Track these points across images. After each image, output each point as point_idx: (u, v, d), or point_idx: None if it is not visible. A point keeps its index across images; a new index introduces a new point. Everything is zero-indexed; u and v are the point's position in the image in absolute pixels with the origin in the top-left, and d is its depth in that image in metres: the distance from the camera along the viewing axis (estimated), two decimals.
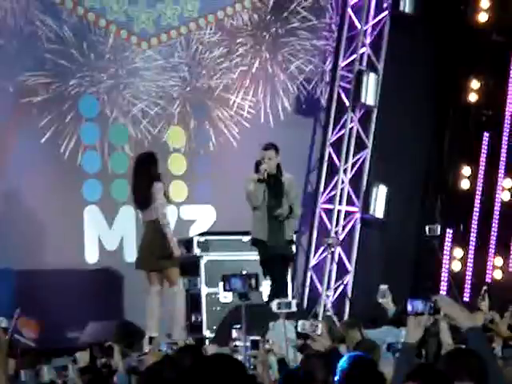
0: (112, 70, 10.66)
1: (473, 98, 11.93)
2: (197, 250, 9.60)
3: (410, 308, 4.48)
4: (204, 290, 9.48)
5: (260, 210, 8.88)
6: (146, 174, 8.75)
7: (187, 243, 9.72)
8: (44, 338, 9.47)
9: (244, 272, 7.70)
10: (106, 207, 10.52)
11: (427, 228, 9.11)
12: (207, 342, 9.05)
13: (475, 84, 11.90)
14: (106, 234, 10.52)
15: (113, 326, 8.77)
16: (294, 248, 9.47)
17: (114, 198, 10.60)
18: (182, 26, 11.00)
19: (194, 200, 11.01)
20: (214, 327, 9.29)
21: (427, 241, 11.76)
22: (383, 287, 7.94)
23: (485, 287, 8.05)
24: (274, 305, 6.82)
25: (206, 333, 9.38)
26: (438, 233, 9.14)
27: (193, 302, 9.52)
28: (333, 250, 10.78)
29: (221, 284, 8.49)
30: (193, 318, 9.52)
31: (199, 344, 7.88)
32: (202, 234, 9.92)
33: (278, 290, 8.63)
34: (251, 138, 11.12)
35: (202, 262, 9.55)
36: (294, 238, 9.28)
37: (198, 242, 9.63)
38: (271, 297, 8.47)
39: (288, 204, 8.88)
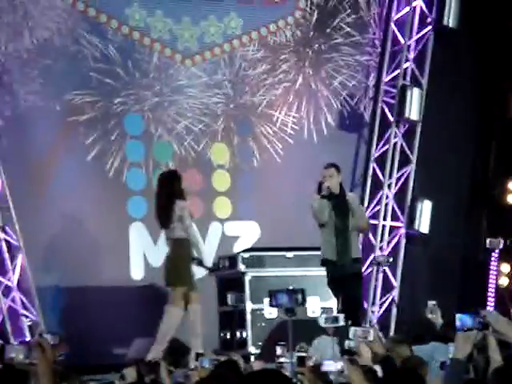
0: (156, 88, 10.75)
1: None
2: (241, 266, 9.62)
3: (458, 323, 4.46)
4: (249, 306, 9.49)
5: (327, 229, 8.93)
6: (168, 192, 8.79)
7: (232, 259, 9.74)
8: (91, 354, 9.54)
9: (290, 287, 7.72)
10: (151, 224, 10.57)
11: (488, 241, 8.94)
12: (252, 358, 9.05)
13: None
14: (151, 251, 10.57)
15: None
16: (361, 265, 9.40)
17: None
18: (226, 44, 11.06)
19: (238, 216, 11.03)
20: (260, 343, 9.30)
21: (474, 256, 11.70)
22: (431, 303, 7.88)
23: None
24: (321, 319, 6.82)
25: (252, 349, 9.38)
26: (501, 246, 8.94)
27: (238, 318, 9.53)
28: (383, 268, 10.75)
29: (266, 300, 8.53)
30: (238, 335, 9.54)
31: (245, 360, 7.87)
32: (246, 251, 9.94)
33: (353, 310, 8.58)
34: (295, 154, 11.14)
35: (247, 279, 9.56)
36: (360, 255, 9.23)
37: (243, 258, 9.65)
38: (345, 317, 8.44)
39: (355, 222, 8.92)
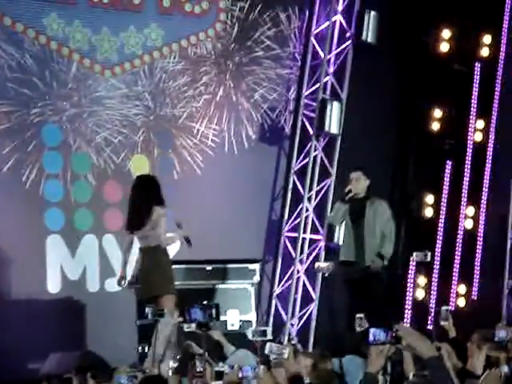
0: (75, 99, 10.59)
1: (435, 126, 12.00)
2: None
3: (371, 337, 4.46)
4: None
5: (346, 231, 9.06)
6: (147, 196, 8.54)
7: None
8: (4, 368, 9.33)
9: (204, 302, 7.66)
10: (69, 236, 10.42)
11: (414, 254, 9.06)
12: (170, 372, 8.94)
13: (438, 113, 11.98)
14: (69, 264, 10.40)
15: (74, 358, 8.65)
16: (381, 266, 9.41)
17: (77, 227, 10.49)
18: (146, 55, 10.96)
19: None
20: (178, 357, 9.19)
21: (391, 269, 11.79)
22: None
23: (446, 308, 8.03)
24: (249, 333, 6.80)
25: (170, 362, 9.26)
26: (429, 259, 9.09)
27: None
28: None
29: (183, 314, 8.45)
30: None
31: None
32: None
33: (375, 308, 8.61)
34: (215, 167, 11.10)
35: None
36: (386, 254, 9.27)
37: None
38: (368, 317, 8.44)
39: (379, 228, 9.00)
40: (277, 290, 11.32)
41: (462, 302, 11.76)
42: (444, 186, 11.87)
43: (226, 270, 9.91)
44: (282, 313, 11.22)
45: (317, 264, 10.57)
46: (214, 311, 6.10)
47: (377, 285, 9.20)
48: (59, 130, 10.51)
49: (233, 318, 9.47)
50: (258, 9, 11.39)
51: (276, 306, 11.29)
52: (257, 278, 9.96)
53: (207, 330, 6.18)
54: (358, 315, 7.86)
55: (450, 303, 11.62)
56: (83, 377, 6.71)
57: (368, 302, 8.94)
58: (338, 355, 7.66)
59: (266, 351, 5.95)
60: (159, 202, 8.57)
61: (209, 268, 9.75)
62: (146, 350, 9.48)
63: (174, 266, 9.62)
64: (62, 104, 10.50)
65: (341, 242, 9.58)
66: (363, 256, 9.12)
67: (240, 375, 5.87)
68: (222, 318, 8.39)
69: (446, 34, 11.96)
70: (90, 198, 10.57)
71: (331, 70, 11.52)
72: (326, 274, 10.27)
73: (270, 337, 6.68)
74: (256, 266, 9.96)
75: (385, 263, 9.40)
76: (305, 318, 11.25)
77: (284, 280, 11.32)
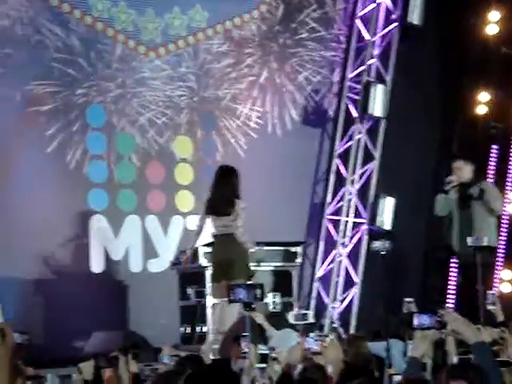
0: (119, 80, 10.66)
1: (481, 110, 11.91)
2: (203, 261, 9.58)
3: (416, 322, 4.47)
4: (210, 301, 9.46)
5: (453, 219, 9.12)
6: (233, 187, 8.72)
7: (193, 253, 9.70)
8: (50, 346, 9.47)
9: (249, 282, 7.70)
10: (112, 217, 10.51)
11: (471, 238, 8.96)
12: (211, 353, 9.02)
13: (484, 96, 11.89)
14: (112, 244, 10.50)
15: (117, 337, 8.76)
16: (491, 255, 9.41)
17: (121, 208, 10.59)
18: (190, 36, 11.00)
19: (200, 210, 10.93)
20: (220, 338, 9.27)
21: (434, 254, 11.76)
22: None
23: (494, 292, 7.98)
24: (290, 316, 6.83)
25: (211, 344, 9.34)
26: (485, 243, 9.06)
27: (199, 312, 9.50)
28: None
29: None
30: (198, 329, 9.51)
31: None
32: (208, 245, 9.90)
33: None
34: (259, 149, 11.12)
35: (208, 273, 9.52)
36: (494, 244, 9.25)
37: (205, 253, 9.61)
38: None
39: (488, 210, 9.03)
40: (319, 273, 11.35)
41: (506, 288, 11.68)
42: (490, 171, 11.78)
43: (269, 252, 9.94)
44: (324, 296, 11.25)
45: (373, 243, 10.51)
46: (258, 291, 6.14)
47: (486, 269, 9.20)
48: (103, 111, 10.60)
49: (275, 300, 9.50)
50: None
51: (318, 289, 11.31)
52: (299, 261, 9.98)
53: (251, 310, 6.22)
54: (406, 299, 7.86)
55: (494, 289, 11.55)
56: (127, 356, 6.78)
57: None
58: (379, 339, 7.67)
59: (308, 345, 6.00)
60: (239, 195, 8.75)
61: (252, 250, 9.79)
62: (189, 331, 9.59)
63: None
64: (106, 85, 10.58)
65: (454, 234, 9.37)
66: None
67: (306, 347, 5.90)
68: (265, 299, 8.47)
69: (495, 15, 11.84)
70: (133, 179, 10.66)
71: (376, 52, 11.48)
72: (383, 253, 10.22)
73: (311, 320, 6.72)
74: (298, 249, 9.98)
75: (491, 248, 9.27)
76: (347, 301, 11.27)
77: (326, 263, 11.34)
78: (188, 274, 9.72)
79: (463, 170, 9.14)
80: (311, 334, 6.42)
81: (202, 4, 10.98)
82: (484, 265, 9.02)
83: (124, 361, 6.31)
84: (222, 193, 8.76)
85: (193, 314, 9.50)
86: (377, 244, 10.32)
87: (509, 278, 11.50)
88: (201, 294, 9.48)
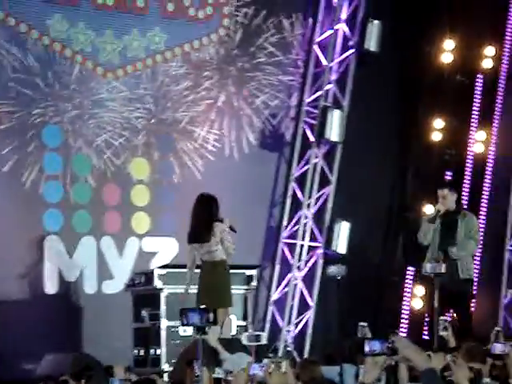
0: (77, 101, 10.56)
1: (436, 137, 11.99)
2: (158, 283, 9.49)
3: (367, 348, 4.44)
4: (164, 323, 9.36)
5: (431, 246, 9.09)
6: (209, 212, 8.80)
7: (148, 275, 9.61)
8: (0, 368, 9.30)
9: (202, 306, 7.64)
10: (67, 238, 10.39)
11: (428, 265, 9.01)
12: (165, 375, 8.92)
13: (439, 123, 11.97)
14: (66, 265, 10.37)
15: (69, 359, 8.62)
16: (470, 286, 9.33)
17: (75, 229, 10.47)
18: (148, 58, 10.95)
19: (156, 232, 10.89)
20: (173, 361, 9.17)
21: (388, 278, 11.77)
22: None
23: (445, 318, 7.99)
24: (243, 338, 6.77)
25: (165, 366, 9.25)
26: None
27: (153, 335, 9.40)
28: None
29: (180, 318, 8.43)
30: (151, 352, 9.40)
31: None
32: (163, 267, 9.82)
33: (461, 330, 8.58)
34: (216, 171, 11.07)
35: (163, 295, 9.44)
36: (471, 276, 9.21)
37: (159, 275, 9.53)
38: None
39: (469, 239, 9.00)
40: (274, 297, 11.30)
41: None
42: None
43: None
44: (279, 319, 11.19)
45: (328, 268, 10.48)
46: (211, 315, 6.08)
47: (469, 299, 9.23)
48: (60, 131, 10.48)
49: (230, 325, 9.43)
50: (262, 15, 11.38)
51: (272, 312, 11.26)
52: (254, 284, 9.94)
53: (204, 334, 6.16)
54: (361, 323, 7.85)
55: (447, 315, 11.56)
56: (79, 380, 6.67)
57: (457, 311, 8.95)
58: (333, 363, 7.64)
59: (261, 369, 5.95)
60: (217, 219, 8.80)
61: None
62: (142, 354, 9.48)
63: (171, 270, 9.63)
64: (63, 105, 10.48)
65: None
66: (456, 268, 9.05)
67: (250, 373, 5.86)
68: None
69: (449, 44, 11.95)
70: (89, 200, 10.55)
71: (333, 77, 11.51)
72: (339, 277, 10.20)
73: (264, 341, 6.67)
74: (253, 272, 9.93)
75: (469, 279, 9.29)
76: (301, 325, 11.22)
77: (281, 287, 11.30)
78: (142, 296, 9.62)
79: (448, 199, 9.16)
80: (264, 360, 6.35)
81: (161, 27, 10.93)
82: (469, 296, 9.08)
83: None
84: (200, 220, 8.83)
85: (146, 336, 9.40)
86: (332, 269, 10.32)
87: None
88: (155, 317, 9.38)
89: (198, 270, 8.92)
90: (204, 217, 8.80)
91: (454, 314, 9.14)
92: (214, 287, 8.75)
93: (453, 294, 8.91)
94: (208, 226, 8.73)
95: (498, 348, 6.22)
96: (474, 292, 9.90)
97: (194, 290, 8.86)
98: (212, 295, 8.71)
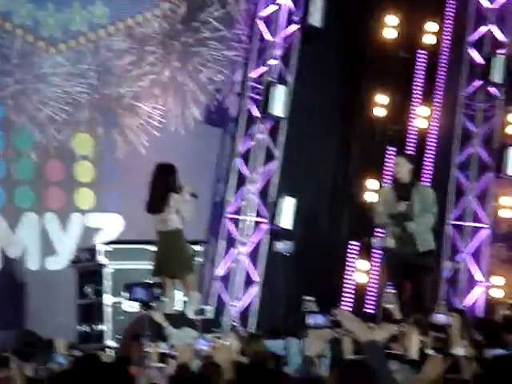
0: (19, 75, 10.37)
1: (379, 112, 12.00)
2: (102, 259, 9.41)
3: (310, 322, 4.44)
4: (108, 299, 9.28)
5: (391, 218, 8.92)
6: (165, 184, 8.74)
7: (92, 251, 9.52)
8: None
9: (147, 281, 7.59)
10: (10, 214, 10.23)
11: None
12: (109, 351, 8.85)
13: (381, 99, 11.99)
14: (9, 242, 10.22)
15: (12, 336, 8.51)
16: (430, 259, 9.25)
17: (18, 205, 10.31)
18: (91, 33, 10.77)
19: (101, 208, 10.77)
20: (118, 337, 9.11)
21: (334, 252, 11.80)
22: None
23: (391, 291, 8.04)
24: (189, 312, 6.73)
25: (110, 342, 9.18)
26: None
27: (97, 311, 9.32)
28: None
29: (125, 293, 8.37)
30: (96, 328, 9.33)
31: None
32: (108, 243, 9.73)
33: (416, 303, 8.56)
34: (161, 147, 10.96)
35: (108, 271, 9.35)
36: (432, 247, 9.13)
37: (104, 251, 9.43)
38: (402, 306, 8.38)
39: (427, 213, 8.94)
40: (219, 272, 11.26)
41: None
42: (386, 172, 11.89)
43: None
44: (224, 295, 11.16)
45: (276, 244, 10.52)
46: (157, 291, 6.04)
47: (427, 272, 9.23)
48: (1, 106, 10.29)
49: (176, 298, 9.39)
50: None
51: (218, 287, 11.22)
52: (200, 260, 9.90)
53: (150, 310, 6.12)
54: (306, 297, 7.86)
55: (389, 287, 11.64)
56: (21, 357, 6.58)
57: (417, 287, 8.97)
58: (279, 337, 7.64)
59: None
60: (175, 189, 8.74)
61: (152, 248, 9.66)
62: (87, 330, 9.40)
63: (117, 246, 9.55)
64: (5, 80, 10.28)
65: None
66: (414, 242, 9.05)
67: (196, 348, 5.85)
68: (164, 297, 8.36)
69: (392, 20, 11.96)
70: (31, 176, 10.39)
71: (278, 53, 11.44)
72: (287, 254, 10.24)
73: (210, 315, 6.65)
74: (199, 248, 9.88)
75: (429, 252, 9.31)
76: (247, 300, 11.20)
77: (226, 262, 11.26)
78: (87, 272, 9.52)
79: (401, 167, 9.13)
80: (209, 336, 6.34)
81: (102, 1, 10.76)
82: (425, 267, 9.13)
83: (16, 362, 6.11)
84: (156, 190, 8.78)
85: (90, 312, 9.32)
86: (279, 245, 10.35)
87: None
88: (99, 293, 9.30)
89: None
90: (160, 187, 8.76)
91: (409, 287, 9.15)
92: (171, 257, 8.72)
93: (413, 267, 8.94)
94: (163, 197, 8.69)
95: (440, 319, 6.28)
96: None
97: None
98: (168, 266, 8.67)
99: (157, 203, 8.71)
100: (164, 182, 8.75)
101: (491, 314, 10.39)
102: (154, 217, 8.74)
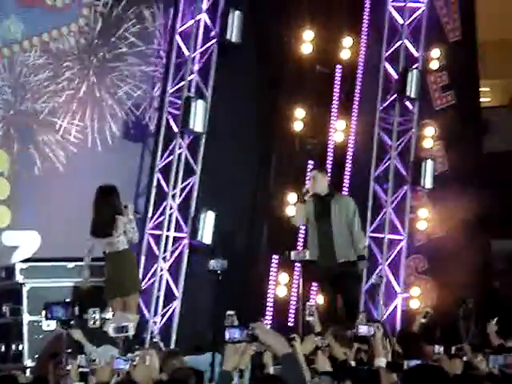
0: None
1: (298, 126, 12.08)
2: (19, 277, 9.22)
3: (227, 336, 4.40)
4: (26, 318, 9.10)
5: (310, 230, 9.04)
6: (111, 206, 8.76)
7: (9, 270, 9.33)
8: None
9: (67, 300, 7.47)
10: None
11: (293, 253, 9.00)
12: (28, 371, 8.68)
13: (300, 113, 12.07)
14: None
15: None
16: (355, 268, 9.24)
17: None
18: (5, 48, 10.58)
19: (17, 225, 10.57)
20: (36, 356, 8.94)
21: (254, 266, 11.80)
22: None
23: (312, 303, 8.07)
24: (110, 329, 6.63)
25: (28, 362, 9.00)
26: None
27: (15, 330, 9.14)
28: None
29: (43, 312, 8.22)
30: (13, 347, 9.14)
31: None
32: (25, 261, 9.55)
33: (347, 311, 8.51)
34: (78, 163, 10.82)
35: (25, 290, 9.17)
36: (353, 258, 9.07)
37: (21, 269, 9.26)
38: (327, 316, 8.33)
39: (347, 225, 8.89)
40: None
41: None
42: (304, 187, 11.93)
43: (89, 267, 9.67)
44: (145, 310, 11.06)
45: (209, 262, 10.49)
46: (76, 309, 5.94)
47: (353, 280, 9.26)
48: None
49: (95, 316, 9.26)
50: (122, 5, 11.18)
51: (139, 303, 11.10)
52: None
53: (69, 328, 6.02)
54: (228, 312, 7.83)
55: (311, 300, 11.70)
56: None
57: (345, 296, 9.00)
58: (201, 353, 7.60)
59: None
60: (121, 210, 8.80)
61: (70, 266, 9.52)
62: (3, 350, 9.21)
63: (33, 264, 9.38)
64: None
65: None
66: (333, 254, 9.06)
67: (114, 367, 5.76)
68: (84, 315, 8.22)
69: (309, 35, 12.06)
70: None
71: (196, 68, 11.42)
72: (219, 271, 10.19)
73: (132, 332, 6.56)
74: None
75: (365, 260, 9.35)
76: (167, 315, 11.12)
77: (147, 278, 11.16)
78: (4, 291, 9.33)
79: (317, 180, 9.20)
80: (128, 354, 6.25)
81: (17, 15, 10.58)
82: (353, 278, 9.18)
83: None
84: (102, 214, 8.81)
85: (8, 332, 9.13)
86: (213, 263, 10.31)
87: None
88: (17, 312, 9.12)
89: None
90: (105, 211, 8.80)
91: (320, 300, 9.24)
92: (123, 276, 8.85)
93: (337, 277, 9.00)
94: (110, 221, 8.76)
95: (363, 330, 6.31)
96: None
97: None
98: (120, 285, 8.78)
99: (104, 227, 8.76)
100: (108, 204, 8.80)
101: (409, 324, 10.51)
102: (99, 240, 8.81)
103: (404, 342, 7.26)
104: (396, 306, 12.07)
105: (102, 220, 8.78)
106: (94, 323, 9.08)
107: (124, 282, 8.81)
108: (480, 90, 13.93)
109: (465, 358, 6.77)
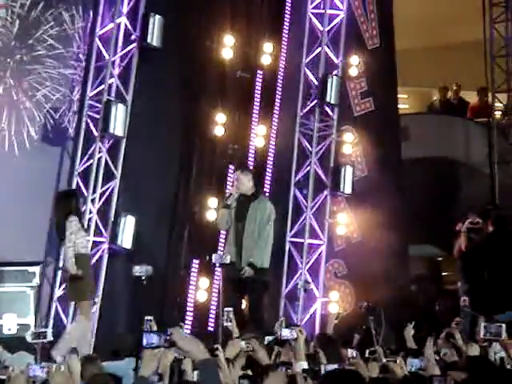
0: None
1: (219, 131, 12.06)
2: None
3: (144, 341, 4.36)
4: None
5: (230, 231, 8.95)
6: (62, 211, 8.97)
7: None
8: None
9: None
10: None
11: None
12: None
13: (221, 118, 12.05)
14: None
15: None
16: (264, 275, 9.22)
17: None
18: None
19: None
20: None
21: (175, 271, 11.72)
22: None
23: (229, 309, 8.06)
24: (28, 336, 6.52)
25: None
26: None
27: None
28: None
29: None
30: None
31: None
32: None
33: (252, 316, 8.40)
34: None
35: None
36: (265, 265, 9.03)
37: None
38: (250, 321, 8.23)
39: (257, 229, 8.79)
40: (57, 293, 10.97)
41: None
42: (226, 191, 11.93)
43: (3, 272, 9.50)
44: (63, 316, 10.89)
45: (134, 268, 10.39)
46: None
47: (256, 284, 9.22)
48: None
49: (10, 322, 9.10)
50: (40, 7, 11.00)
51: (56, 309, 10.93)
52: (36, 281, 9.62)
53: None
54: (146, 317, 7.76)
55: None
56: None
57: (248, 298, 8.97)
58: (119, 358, 7.52)
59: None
60: (74, 213, 9.05)
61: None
62: None
63: None
64: None
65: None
66: (241, 255, 9.07)
67: (30, 374, 5.65)
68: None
69: (230, 40, 12.05)
70: None
71: (116, 71, 11.29)
72: (143, 277, 10.13)
73: (50, 338, 6.47)
74: (36, 269, 9.60)
75: (260, 268, 9.29)
76: None
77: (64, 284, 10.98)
78: None
79: (241, 181, 9.19)
80: (43, 362, 6.15)
81: None
82: (257, 281, 9.16)
83: None
84: (56, 219, 9.04)
85: None
86: (137, 269, 10.20)
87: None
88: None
89: None
90: (58, 216, 9.05)
91: (243, 304, 9.24)
92: (72, 281, 9.06)
93: (248, 283, 9.01)
94: (62, 226, 9.01)
95: (285, 334, 6.36)
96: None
97: None
98: (71, 289, 9.09)
99: (58, 232, 9.14)
100: (62, 209, 9.14)
101: (323, 326, 10.59)
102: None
103: (322, 345, 7.30)
104: (315, 311, 12.13)
105: (56, 225, 9.04)
106: (10, 329, 8.94)
107: (78, 286, 9.15)
108: (398, 96, 14.12)
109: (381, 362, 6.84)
